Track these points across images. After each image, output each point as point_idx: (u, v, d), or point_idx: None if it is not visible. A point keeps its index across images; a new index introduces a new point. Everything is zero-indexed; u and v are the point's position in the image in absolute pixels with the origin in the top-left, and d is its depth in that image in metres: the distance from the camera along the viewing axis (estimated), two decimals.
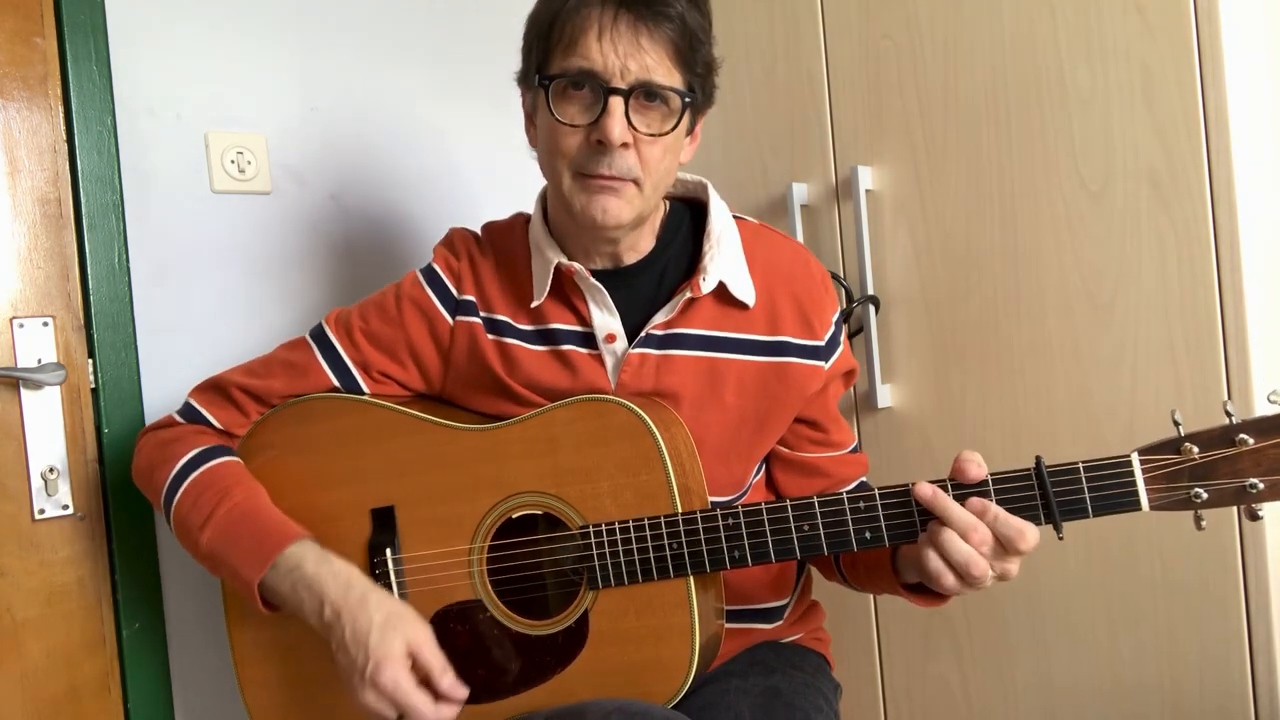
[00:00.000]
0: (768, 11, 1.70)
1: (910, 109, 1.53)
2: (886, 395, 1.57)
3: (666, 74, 1.07)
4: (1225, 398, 1.23)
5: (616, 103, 1.05)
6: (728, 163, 1.77)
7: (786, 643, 1.30)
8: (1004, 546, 0.97)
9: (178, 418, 1.25)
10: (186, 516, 1.16)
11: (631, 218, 1.11)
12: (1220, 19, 1.21)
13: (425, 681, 1.07)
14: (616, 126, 1.05)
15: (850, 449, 1.29)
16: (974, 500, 0.98)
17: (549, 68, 1.09)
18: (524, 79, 1.16)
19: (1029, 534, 0.96)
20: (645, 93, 1.07)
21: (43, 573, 1.41)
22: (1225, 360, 1.24)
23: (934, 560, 0.98)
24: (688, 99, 1.09)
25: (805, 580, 1.34)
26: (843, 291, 1.59)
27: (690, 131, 1.16)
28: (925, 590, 1.08)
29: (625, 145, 1.06)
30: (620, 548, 1.07)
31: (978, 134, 1.45)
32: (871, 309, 1.57)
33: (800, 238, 1.65)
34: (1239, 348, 1.22)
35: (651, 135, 1.08)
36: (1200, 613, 1.28)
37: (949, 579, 0.97)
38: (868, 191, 1.58)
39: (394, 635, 1.06)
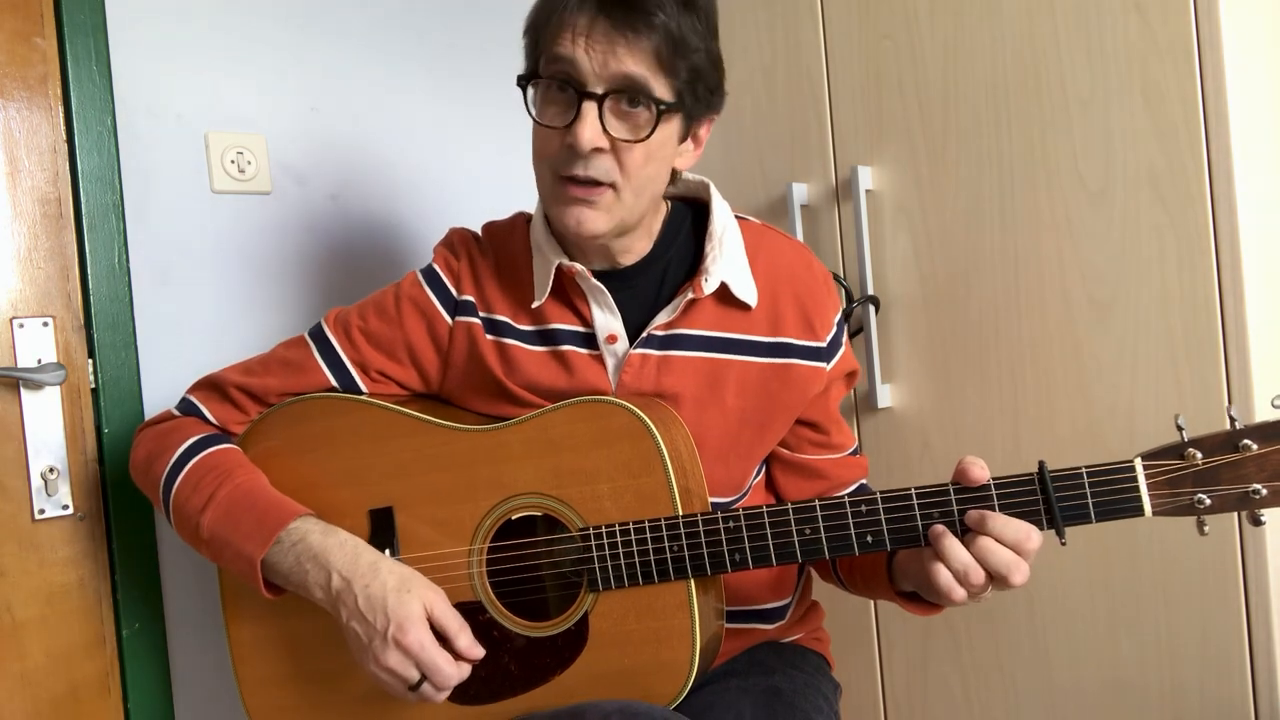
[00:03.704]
0: (768, 11, 1.70)
1: (910, 109, 1.53)
2: (886, 395, 1.57)
3: (646, 79, 1.05)
4: (1225, 397, 1.23)
5: (589, 107, 1.04)
6: (728, 163, 1.77)
7: (786, 643, 1.30)
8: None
9: (175, 412, 1.24)
10: (186, 501, 1.14)
11: (608, 228, 1.09)
12: (1220, 19, 1.21)
13: (442, 642, 1.06)
14: (586, 131, 1.04)
15: (850, 451, 1.29)
16: (973, 513, 0.97)
17: (536, 69, 1.10)
18: (520, 80, 1.16)
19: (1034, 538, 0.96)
20: (628, 98, 1.05)
21: (42, 573, 1.41)
22: (1225, 360, 1.23)
23: (944, 575, 0.97)
24: (662, 107, 1.06)
25: (806, 581, 1.34)
26: (843, 291, 1.58)
27: (687, 138, 1.14)
28: (920, 598, 1.09)
29: (600, 150, 1.05)
30: (620, 550, 1.07)
31: (978, 134, 1.45)
32: (871, 309, 1.57)
33: (800, 238, 1.65)
34: (1239, 347, 1.22)
35: (627, 141, 1.06)
36: (1200, 612, 1.28)
37: (959, 593, 0.96)
38: (868, 192, 1.57)
39: (411, 597, 1.05)
